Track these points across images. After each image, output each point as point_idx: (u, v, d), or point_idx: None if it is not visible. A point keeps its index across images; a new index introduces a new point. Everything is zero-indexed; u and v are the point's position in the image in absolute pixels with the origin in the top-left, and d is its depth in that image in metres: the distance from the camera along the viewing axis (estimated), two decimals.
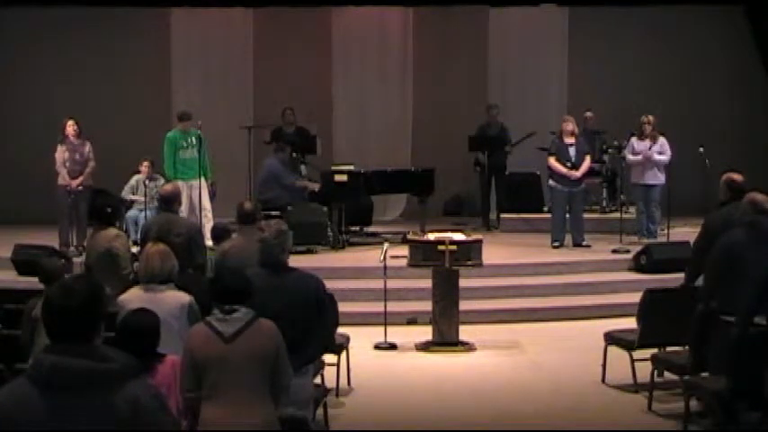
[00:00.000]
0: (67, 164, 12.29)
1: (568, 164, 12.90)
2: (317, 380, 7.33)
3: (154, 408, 3.02)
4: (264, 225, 5.94)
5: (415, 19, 16.07)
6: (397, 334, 9.77)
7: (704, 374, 7.20)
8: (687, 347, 7.50)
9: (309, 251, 12.42)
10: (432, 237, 9.85)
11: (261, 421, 4.75)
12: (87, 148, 12.43)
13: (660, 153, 12.82)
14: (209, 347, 4.76)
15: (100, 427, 2.93)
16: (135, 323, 5.16)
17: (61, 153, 12.33)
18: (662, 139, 12.91)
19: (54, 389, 2.92)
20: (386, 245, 9.80)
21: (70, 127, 12.34)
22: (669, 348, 8.05)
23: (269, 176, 13.02)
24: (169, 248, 6.66)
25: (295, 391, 5.38)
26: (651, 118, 12.90)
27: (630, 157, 13.00)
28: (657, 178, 12.88)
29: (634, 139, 13.03)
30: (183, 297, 6.27)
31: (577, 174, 12.89)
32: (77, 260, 10.91)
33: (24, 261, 11.20)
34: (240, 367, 4.74)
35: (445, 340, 9.58)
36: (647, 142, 12.86)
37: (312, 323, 5.65)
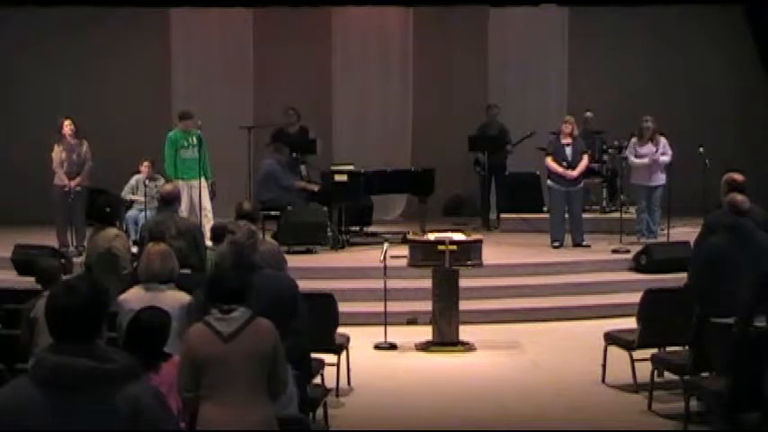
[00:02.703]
0: (65, 164, 12.26)
1: (564, 163, 12.93)
2: (317, 380, 7.34)
3: (154, 408, 3.02)
4: (233, 226, 5.94)
5: (415, 19, 16.06)
6: (397, 334, 9.76)
7: (704, 374, 7.21)
8: (687, 347, 7.51)
9: (309, 251, 12.42)
10: (432, 237, 9.85)
11: (260, 421, 4.75)
12: (85, 147, 12.41)
13: (663, 154, 12.84)
14: (208, 347, 4.76)
15: (100, 426, 2.93)
16: (146, 321, 5.17)
17: (58, 153, 12.31)
18: (663, 140, 12.91)
19: (55, 388, 2.93)
20: (386, 245, 9.79)
21: (67, 127, 12.31)
22: (669, 348, 8.05)
23: (266, 178, 13.03)
24: (170, 248, 6.67)
25: None
26: (650, 124, 12.85)
27: (634, 160, 12.95)
28: (660, 179, 12.91)
29: (634, 141, 13.01)
30: (184, 297, 6.28)
31: (573, 173, 12.90)
32: (77, 260, 10.93)
33: (24, 261, 11.19)
34: (239, 366, 4.73)
35: (445, 340, 9.58)
36: (650, 145, 12.84)
37: (287, 322, 5.64)
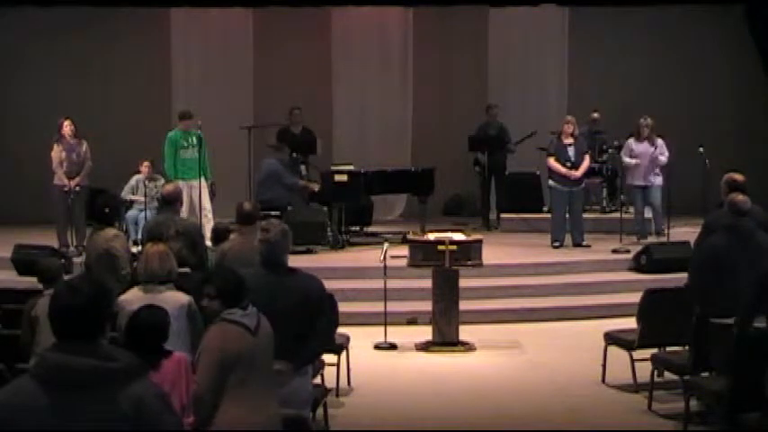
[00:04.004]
0: (65, 164, 12.27)
1: (568, 164, 12.93)
2: (317, 380, 7.34)
3: (157, 407, 3.03)
4: (267, 224, 5.90)
5: (415, 19, 16.06)
6: (397, 334, 9.77)
7: (704, 374, 7.21)
8: (687, 347, 7.51)
9: (309, 251, 12.42)
10: (432, 237, 9.86)
11: (270, 416, 4.75)
12: (84, 147, 12.41)
13: (660, 155, 12.86)
14: (242, 342, 4.71)
15: (103, 425, 2.94)
16: (145, 318, 5.18)
17: (58, 153, 12.31)
18: (660, 141, 12.93)
19: (58, 387, 2.94)
20: (386, 245, 9.80)
21: (67, 127, 12.32)
22: (669, 348, 8.05)
23: (268, 177, 13.02)
24: (168, 248, 6.67)
25: (295, 392, 5.38)
26: (650, 121, 12.88)
27: (627, 159, 12.98)
28: (656, 180, 12.91)
29: (632, 141, 13.02)
30: (183, 297, 6.29)
31: (577, 173, 12.92)
32: (77, 260, 10.93)
33: (24, 261, 11.20)
34: (262, 359, 4.76)
35: (445, 340, 9.58)
36: (647, 144, 12.86)
37: (313, 323, 5.65)
